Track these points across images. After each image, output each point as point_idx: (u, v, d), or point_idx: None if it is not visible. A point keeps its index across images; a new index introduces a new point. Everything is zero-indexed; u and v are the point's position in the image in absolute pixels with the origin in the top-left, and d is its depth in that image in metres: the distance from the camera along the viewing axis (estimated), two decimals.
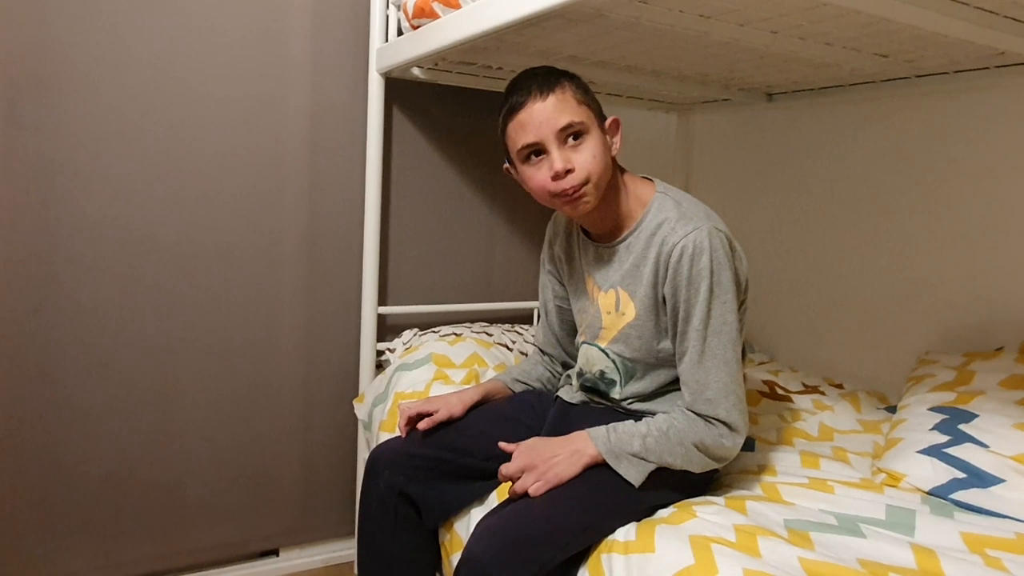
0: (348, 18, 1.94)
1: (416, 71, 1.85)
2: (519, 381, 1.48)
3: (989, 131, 1.56)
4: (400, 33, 1.82)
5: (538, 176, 1.17)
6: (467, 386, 1.54)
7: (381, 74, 1.89)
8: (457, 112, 2.14)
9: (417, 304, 2.11)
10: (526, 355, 1.99)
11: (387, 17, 1.88)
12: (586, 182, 1.15)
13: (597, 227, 1.29)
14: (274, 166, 1.89)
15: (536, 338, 1.54)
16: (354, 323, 2.02)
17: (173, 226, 1.79)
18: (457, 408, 1.35)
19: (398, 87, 2.01)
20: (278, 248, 1.92)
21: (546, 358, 1.51)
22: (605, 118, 1.23)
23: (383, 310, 2.01)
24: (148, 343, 1.78)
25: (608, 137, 1.21)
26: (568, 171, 1.14)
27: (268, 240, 1.90)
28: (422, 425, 1.31)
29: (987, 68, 1.49)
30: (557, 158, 1.14)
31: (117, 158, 1.71)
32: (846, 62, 1.49)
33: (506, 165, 1.28)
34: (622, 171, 1.27)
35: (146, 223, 1.75)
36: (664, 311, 1.20)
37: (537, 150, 1.16)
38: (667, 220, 1.18)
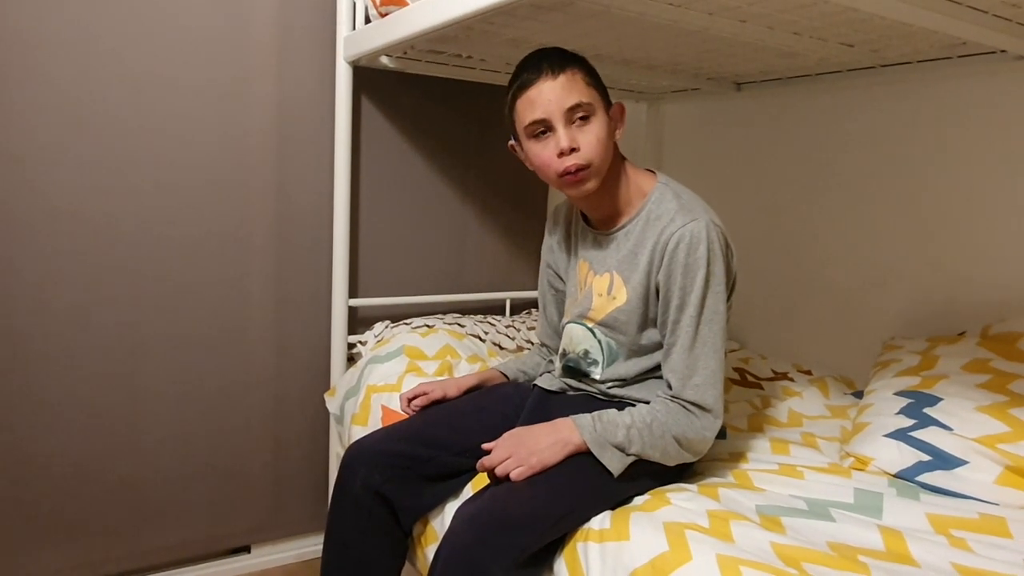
0: (315, 5, 1.90)
1: (385, 60, 1.82)
2: (520, 371, 1.50)
3: (951, 120, 1.59)
4: (368, 21, 1.80)
5: (544, 154, 1.19)
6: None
7: (349, 63, 1.86)
8: (427, 101, 2.11)
9: (388, 296, 2.09)
10: (499, 346, 1.99)
11: (354, 4, 1.85)
12: (588, 164, 1.17)
13: (596, 212, 1.30)
14: (240, 156, 1.86)
15: (536, 330, 1.57)
16: (324, 315, 1.99)
17: (137, 217, 1.74)
18: (452, 390, 1.41)
19: (367, 76, 1.98)
20: (246, 240, 1.89)
21: (544, 349, 1.53)
22: (612, 104, 1.24)
23: (354, 302, 1.99)
24: (113, 337, 1.74)
25: (613, 123, 1.23)
26: (573, 149, 1.16)
27: (235, 232, 1.87)
28: (417, 402, 1.39)
29: (950, 58, 1.52)
30: (563, 136, 1.16)
31: (78, 148, 1.66)
32: (813, 51, 1.51)
33: (511, 142, 1.30)
34: (623, 159, 1.29)
35: (109, 214, 1.71)
36: (655, 301, 1.21)
37: (544, 128, 1.18)
38: (666, 211, 1.20)
